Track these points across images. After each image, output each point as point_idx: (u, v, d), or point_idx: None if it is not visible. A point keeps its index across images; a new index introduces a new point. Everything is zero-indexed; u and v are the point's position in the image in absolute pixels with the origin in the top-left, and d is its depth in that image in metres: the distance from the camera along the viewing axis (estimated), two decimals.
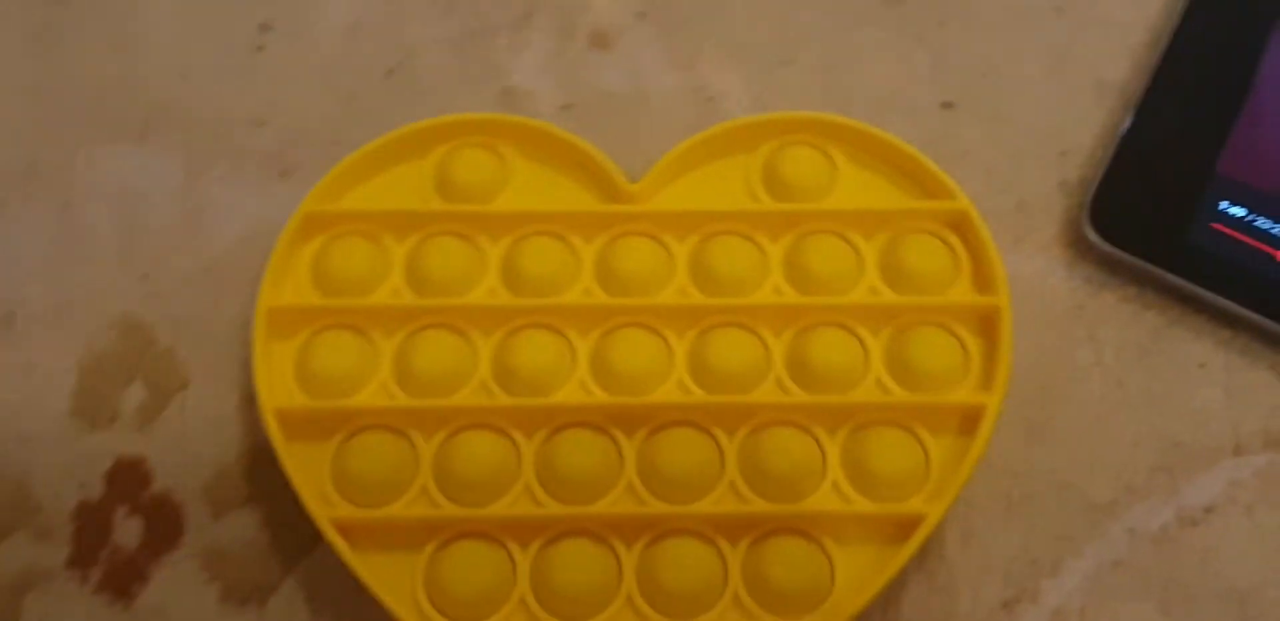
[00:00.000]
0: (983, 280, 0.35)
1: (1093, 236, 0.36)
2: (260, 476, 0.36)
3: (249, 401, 0.36)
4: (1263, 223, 0.36)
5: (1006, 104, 0.39)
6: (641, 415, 0.34)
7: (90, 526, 0.35)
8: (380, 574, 0.32)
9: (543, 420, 0.34)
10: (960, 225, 0.36)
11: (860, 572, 0.32)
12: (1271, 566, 0.33)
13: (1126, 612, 0.33)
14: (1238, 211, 0.36)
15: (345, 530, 0.33)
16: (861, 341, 0.35)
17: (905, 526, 0.32)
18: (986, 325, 0.35)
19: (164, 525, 0.35)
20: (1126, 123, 0.37)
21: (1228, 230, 0.36)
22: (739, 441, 0.34)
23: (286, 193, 0.39)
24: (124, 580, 0.34)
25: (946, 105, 0.39)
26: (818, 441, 0.34)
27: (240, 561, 0.35)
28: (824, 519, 0.33)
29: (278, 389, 0.34)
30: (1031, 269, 0.37)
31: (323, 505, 0.33)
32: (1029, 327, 0.36)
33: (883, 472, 0.33)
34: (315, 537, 0.34)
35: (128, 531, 0.35)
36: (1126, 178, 0.37)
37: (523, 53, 0.41)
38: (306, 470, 0.33)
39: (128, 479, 0.35)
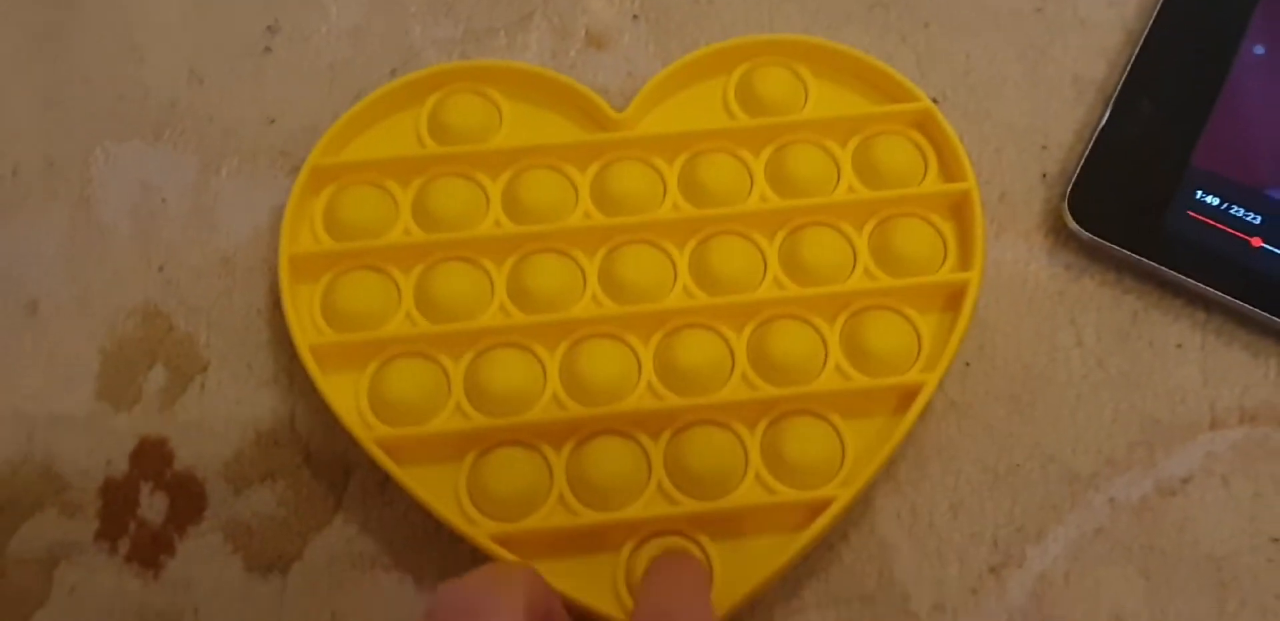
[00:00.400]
0: (950, 170, 0.38)
1: (1073, 225, 0.38)
2: (278, 454, 0.37)
3: (266, 383, 0.38)
4: (1237, 210, 0.38)
5: (989, 100, 0.41)
6: (654, 321, 0.36)
7: (116, 501, 0.36)
8: (426, 485, 0.34)
9: (562, 333, 0.36)
10: (924, 123, 0.38)
11: (868, 444, 0.35)
12: (1245, 533, 0.35)
13: (1108, 576, 0.35)
14: (1213, 200, 0.38)
15: (388, 449, 0.35)
16: (847, 236, 0.37)
17: (905, 397, 0.35)
18: (958, 210, 0.37)
19: (187, 500, 0.36)
20: (1104, 117, 0.39)
21: (1203, 218, 0.38)
22: (746, 337, 0.36)
23: None
24: (151, 551, 0.36)
25: (932, 102, 0.41)
26: (817, 330, 0.36)
27: (261, 533, 0.36)
28: (830, 397, 0.35)
29: (308, 328, 0.36)
30: (1015, 256, 0.39)
31: (364, 428, 0.35)
32: (1013, 312, 0.38)
33: (879, 350, 0.35)
34: (333, 509, 0.36)
35: (153, 506, 0.36)
36: (1105, 169, 0.38)
37: (522, 53, 0.42)
38: (344, 399, 0.35)
39: (152, 457, 0.37)
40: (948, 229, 0.37)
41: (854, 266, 0.37)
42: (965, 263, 0.36)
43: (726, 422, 0.35)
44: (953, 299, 0.36)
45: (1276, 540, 0.35)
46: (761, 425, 0.35)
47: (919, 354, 0.36)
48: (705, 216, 0.37)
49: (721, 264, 0.37)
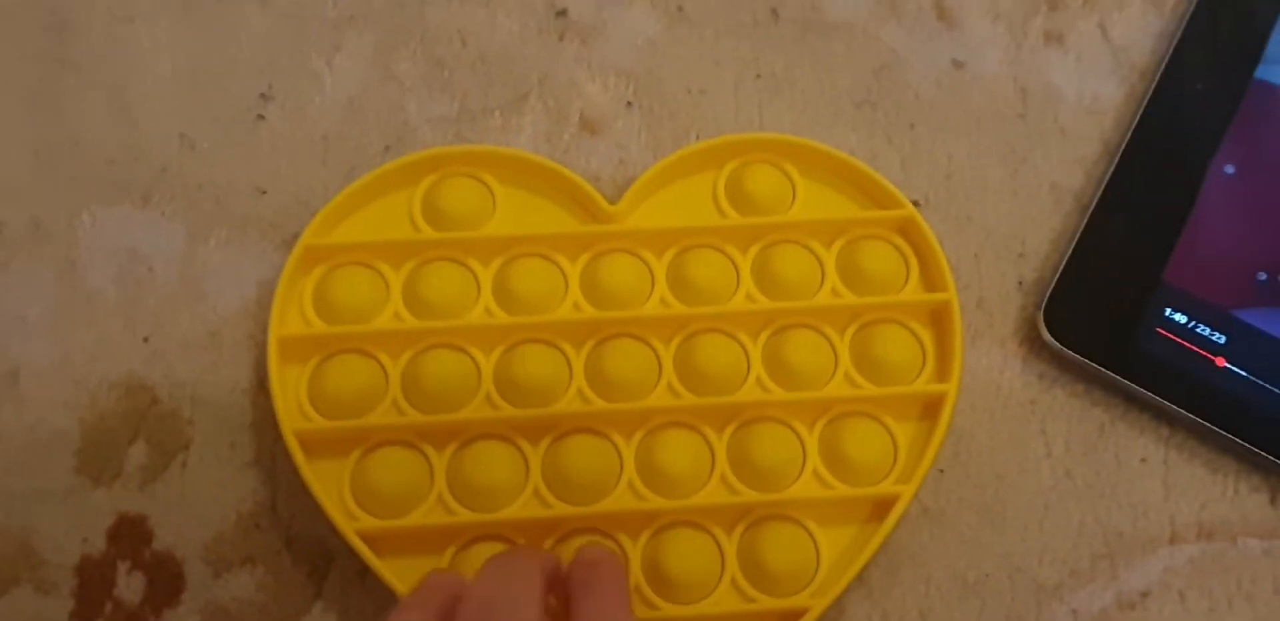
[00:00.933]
0: (931, 279, 0.39)
1: (1047, 336, 0.39)
2: (258, 537, 0.37)
3: (249, 464, 0.38)
4: (1203, 329, 0.39)
5: (970, 204, 0.42)
6: (637, 418, 0.37)
7: (93, 581, 0.36)
8: (406, 578, 0.35)
9: (547, 427, 0.37)
10: (907, 230, 0.39)
11: (843, 552, 0.36)
12: None
13: None
14: (1181, 318, 0.39)
15: (370, 540, 0.35)
16: (829, 339, 0.38)
17: (881, 506, 0.36)
18: (938, 319, 0.39)
19: (166, 581, 0.36)
20: (1080, 229, 0.40)
21: (1171, 336, 0.39)
22: (726, 438, 0.37)
23: (286, 261, 0.40)
24: None
25: (914, 204, 0.42)
26: (797, 434, 0.37)
27: (240, 619, 0.36)
28: (808, 504, 0.36)
29: (294, 413, 0.36)
30: (990, 363, 0.40)
31: (346, 518, 0.35)
32: (986, 419, 0.39)
33: (857, 458, 0.37)
34: (312, 597, 0.36)
35: (130, 586, 0.36)
36: (1079, 282, 0.40)
37: (517, 135, 0.43)
38: (328, 486, 0.36)
39: (130, 535, 0.37)
40: (927, 337, 0.38)
41: (835, 370, 0.38)
42: (943, 373, 0.38)
43: (705, 525, 0.36)
44: (930, 408, 0.37)
45: None
46: (739, 529, 0.36)
47: (895, 463, 0.37)
48: (692, 314, 0.38)
49: (706, 361, 0.38)
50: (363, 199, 0.40)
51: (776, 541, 0.36)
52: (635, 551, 0.36)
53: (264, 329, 0.39)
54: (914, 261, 0.39)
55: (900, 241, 0.39)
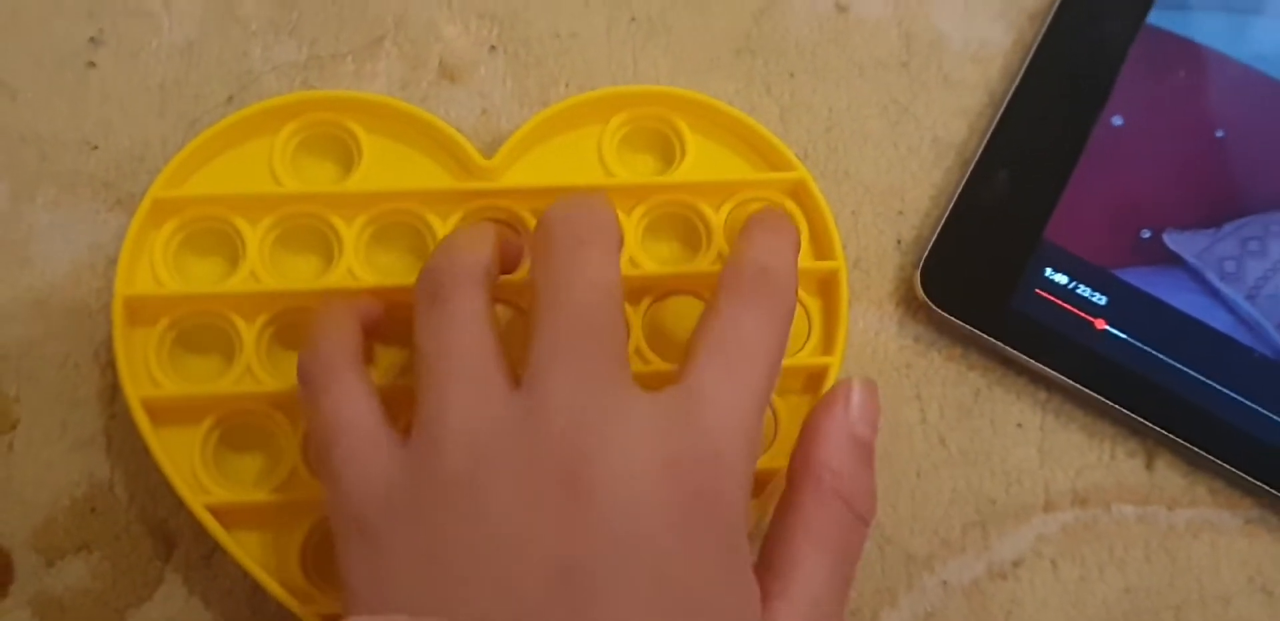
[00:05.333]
0: (820, 246, 0.37)
1: (923, 297, 0.38)
2: (94, 522, 0.35)
3: (83, 444, 0.35)
4: (1084, 290, 0.38)
5: (849, 159, 0.40)
6: None
7: None
8: (256, 555, 0.33)
9: (409, 399, 0.34)
10: (799, 194, 0.38)
11: None
12: (1069, 618, 0.36)
13: None
14: (1061, 279, 0.38)
15: (219, 515, 0.33)
16: None
17: (757, 484, 0.34)
18: (825, 288, 0.37)
19: None
20: (960, 185, 0.39)
21: (1050, 297, 0.38)
22: None
23: (121, 223, 0.37)
24: None
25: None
26: None
27: (75, 609, 0.34)
28: None
29: (141, 379, 0.34)
30: (866, 325, 0.38)
31: (195, 492, 0.33)
32: None
33: None
34: (154, 583, 0.34)
35: None
36: (958, 241, 0.38)
37: (371, 82, 0.40)
38: (175, 459, 0.34)
39: None
40: (813, 306, 0.37)
41: None
42: (828, 345, 0.36)
43: None
44: (813, 381, 0.36)
45: None
46: None
47: (775, 437, 0.35)
48: None
49: None
50: (216, 148, 0.37)
51: None
52: None
53: (98, 296, 0.36)
54: (803, 226, 0.37)
55: (791, 205, 0.38)
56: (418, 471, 0.29)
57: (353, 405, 0.31)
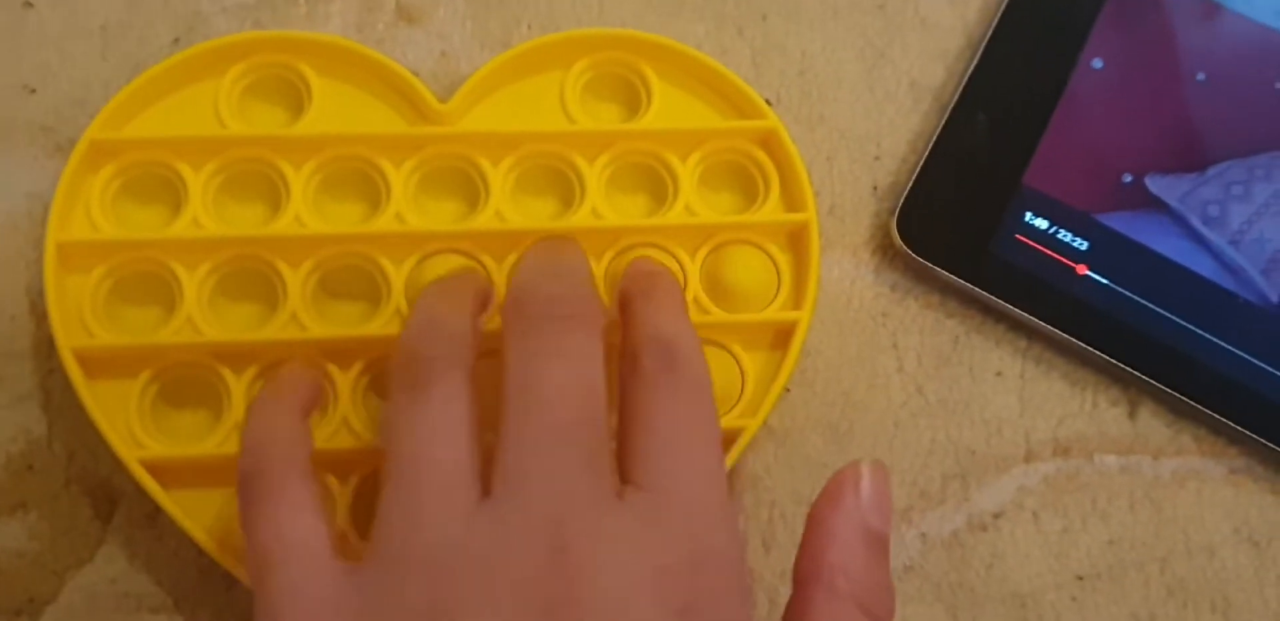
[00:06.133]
0: (792, 197, 0.36)
1: (900, 244, 0.36)
2: (31, 480, 0.33)
3: (18, 399, 0.34)
4: (1064, 235, 0.37)
5: (824, 103, 0.39)
6: None
7: None
8: (198, 515, 0.32)
9: (357, 353, 0.33)
10: (769, 143, 0.36)
11: None
12: (1051, 570, 0.35)
13: (915, 615, 0.34)
14: (1041, 223, 0.37)
15: (157, 472, 0.32)
16: (680, 262, 0.35)
17: (724, 440, 0.33)
18: (795, 241, 0.36)
19: None
20: (938, 130, 0.37)
21: (1031, 242, 0.37)
22: None
23: (60, 170, 0.35)
24: None
25: (766, 103, 0.39)
26: None
27: (10, 572, 0.33)
28: None
29: (74, 328, 0.33)
30: (840, 273, 0.37)
31: (131, 446, 0.32)
32: (835, 333, 0.36)
33: None
34: (95, 544, 0.33)
35: None
36: (936, 186, 0.37)
37: (324, 24, 0.38)
38: (110, 413, 0.32)
39: None
40: (784, 260, 0.36)
41: (685, 294, 0.34)
42: (798, 299, 0.35)
43: None
44: (781, 336, 0.35)
45: (1080, 578, 0.35)
46: None
47: (741, 395, 0.34)
48: (528, 231, 0.34)
49: None
50: (160, 90, 0.35)
51: None
52: None
53: (35, 246, 0.35)
54: (774, 176, 0.36)
55: (761, 154, 0.36)
56: (373, 599, 0.26)
57: (296, 522, 0.27)
